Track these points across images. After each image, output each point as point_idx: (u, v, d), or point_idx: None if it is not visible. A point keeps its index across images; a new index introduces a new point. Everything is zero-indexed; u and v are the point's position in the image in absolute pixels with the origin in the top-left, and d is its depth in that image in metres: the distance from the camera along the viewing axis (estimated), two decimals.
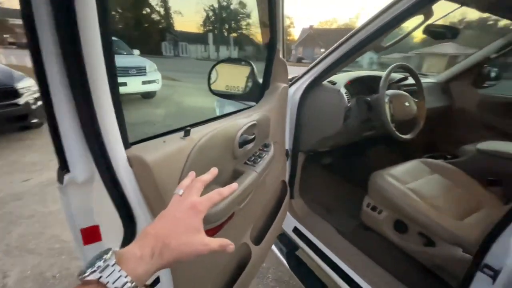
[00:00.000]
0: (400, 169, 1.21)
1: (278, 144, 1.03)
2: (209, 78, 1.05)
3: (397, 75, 1.47)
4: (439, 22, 1.16)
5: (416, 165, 1.26)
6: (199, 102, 5.85)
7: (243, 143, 0.75)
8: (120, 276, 0.28)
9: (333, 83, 1.21)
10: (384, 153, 1.93)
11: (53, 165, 2.63)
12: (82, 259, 0.52)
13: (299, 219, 1.31)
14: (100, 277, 0.27)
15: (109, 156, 0.44)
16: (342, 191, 1.62)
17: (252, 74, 1.06)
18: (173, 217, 0.35)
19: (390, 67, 1.22)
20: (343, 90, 1.17)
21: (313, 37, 36.03)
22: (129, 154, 0.47)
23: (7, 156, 2.91)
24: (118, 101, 0.44)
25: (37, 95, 3.39)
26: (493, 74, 1.95)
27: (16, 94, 3.16)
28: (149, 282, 0.49)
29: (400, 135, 1.21)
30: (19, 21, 0.37)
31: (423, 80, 1.62)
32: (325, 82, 1.21)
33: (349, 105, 1.16)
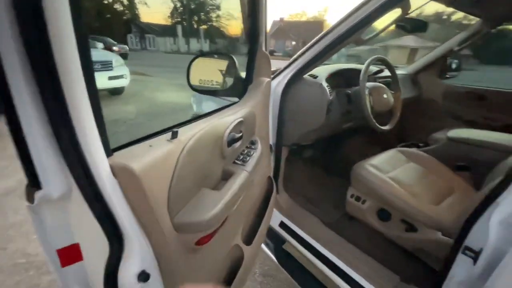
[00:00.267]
0: (379, 159, 1.26)
1: (263, 140, 1.01)
2: (188, 73, 0.99)
3: (373, 68, 1.51)
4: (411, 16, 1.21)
5: (393, 154, 1.32)
6: (173, 97, 5.62)
7: (231, 142, 0.71)
8: None
9: (315, 77, 1.21)
10: (362, 144, 2.00)
11: (9, 172, 2.38)
12: (59, 280, 0.46)
13: (285, 213, 1.32)
14: None
15: (90, 167, 0.38)
16: (325, 183, 1.65)
17: (234, 68, 1.02)
18: None
19: (368, 60, 1.24)
20: (324, 84, 1.17)
21: (284, 30, 36.13)
22: (112, 162, 0.42)
23: None
24: (97, 100, 0.38)
25: None
26: (454, 66, 2.11)
27: None
28: None
29: (380, 127, 1.25)
30: None
31: None
32: (306, 76, 1.21)
33: (331, 98, 1.17)
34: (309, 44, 1.10)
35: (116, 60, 4.83)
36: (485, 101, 1.75)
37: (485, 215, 0.66)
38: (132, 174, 0.42)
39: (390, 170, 1.19)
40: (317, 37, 1.07)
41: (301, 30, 36.23)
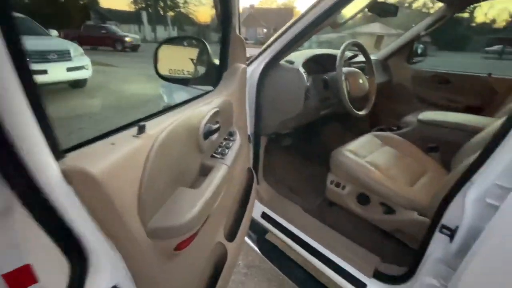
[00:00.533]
0: (356, 144, 1.27)
1: (241, 130, 0.96)
2: (155, 61, 0.89)
3: (348, 53, 1.51)
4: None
5: (369, 139, 1.34)
6: (141, 88, 5.29)
7: (208, 134, 0.66)
8: None
9: (291, 62, 1.17)
10: (338, 130, 2.03)
11: None
12: None
13: (266, 203, 1.30)
14: None
15: (33, 174, 0.31)
16: (305, 171, 1.66)
17: (206, 54, 0.94)
18: None
19: (344, 45, 1.23)
20: (301, 69, 1.14)
21: (255, 16, 35.50)
22: (64, 166, 0.34)
23: None
24: (35, 92, 0.30)
25: None
26: (419, 51, 2.20)
27: None
28: None
29: (357, 112, 1.26)
30: None
31: None
32: (282, 62, 1.17)
33: (308, 84, 1.15)
34: (283, 29, 1.06)
35: (74, 49, 4.38)
36: (449, 84, 1.85)
37: (460, 193, 0.68)
38: (90, 178, 0.35)
39: (367, 155, 1.21)
40: (291, 21, 1.03)
41: (272, 17, 35.86)
